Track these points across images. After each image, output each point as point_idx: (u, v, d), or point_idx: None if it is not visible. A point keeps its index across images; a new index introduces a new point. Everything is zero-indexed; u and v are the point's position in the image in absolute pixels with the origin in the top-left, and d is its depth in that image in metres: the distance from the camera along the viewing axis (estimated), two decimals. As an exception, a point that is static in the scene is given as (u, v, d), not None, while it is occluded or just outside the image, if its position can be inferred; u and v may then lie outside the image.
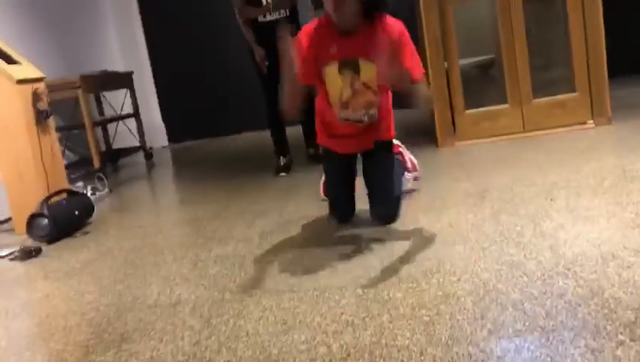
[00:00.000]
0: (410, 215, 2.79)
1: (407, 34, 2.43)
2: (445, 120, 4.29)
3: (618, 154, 3.30)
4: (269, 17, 4.22)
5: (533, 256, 2.05)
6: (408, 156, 3.24)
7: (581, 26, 4.06)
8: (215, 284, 2.30)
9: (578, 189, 2.74)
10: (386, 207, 2.70)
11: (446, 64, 4.28)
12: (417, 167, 3.24)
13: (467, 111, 4.30)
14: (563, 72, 4.43)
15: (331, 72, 2.46)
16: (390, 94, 2.66)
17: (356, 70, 2.42)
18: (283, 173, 4.28)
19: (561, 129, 4.15)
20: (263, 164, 4.88)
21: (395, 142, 2.96)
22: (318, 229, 2.83)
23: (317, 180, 3.33)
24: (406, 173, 3.15)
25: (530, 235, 2.25)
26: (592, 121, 4.15)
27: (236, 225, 3.12)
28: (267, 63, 4.20)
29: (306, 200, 3.41)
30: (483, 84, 5.01)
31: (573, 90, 4.17)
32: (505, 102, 4.26)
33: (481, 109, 4.31)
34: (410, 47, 2.42)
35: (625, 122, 4.07)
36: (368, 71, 2.40)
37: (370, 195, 2.76)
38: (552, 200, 2.66)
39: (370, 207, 2.75)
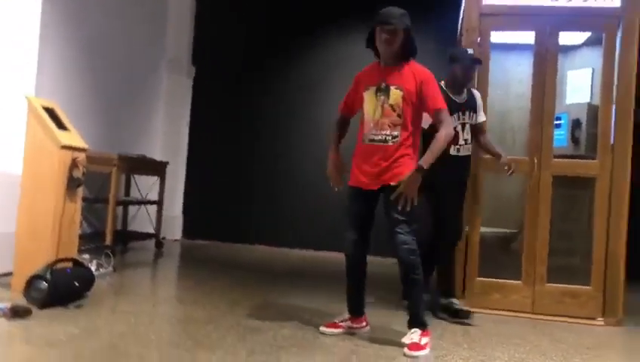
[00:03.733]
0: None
1: (433, 78, 3.14)
2: (457, 283, 4.27)
3: (627, 359, 3.21)
4: (462, 152, 4.02)
5: None
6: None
7: (605, 223, 4.14)
8: (193, 392, 2.23)
9: (578, 386, 2.67)
10: (397, 253, 3.05)
11: (467, 228, 4.35)
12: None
13: (479, 279, 4.30)
14: (580, 263, 4.47)
15: (369, 95, 3.15)
16: (417, 154, 3.16)
17: (387, 94, 3.09)
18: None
19: (569, 319, 4.10)
20: (272, 280, 4.89)
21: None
22: None
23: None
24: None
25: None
26: (601, 319, 4.10)
27: (228, 336, 3.07)
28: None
29: (306, 327, 3.36)
30: (500, 255, 5.04)
31: (587, 283, 4.18)
32: (518, 278, 4.26)
33: (493, 280, 4.30)
34: (434, 86, 3.13)
35: (636, 326, 4.01)
36: (396, 95, 3.08)
37: None
38: (549, 390, 2.58)
39: None
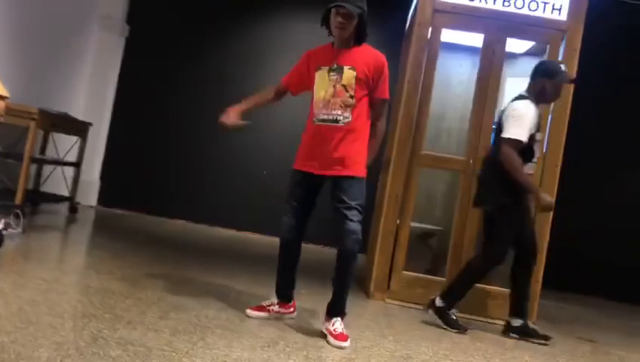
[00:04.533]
0: None
1: (387, 65, 3.09)
2: (383, 274, 4.28)
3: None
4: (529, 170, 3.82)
5: None
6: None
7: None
8: (112, 369, 2.06)
9: (500, 385, 2.71)
10: (344, 241, 2.93)
11: (397, 222, 4.35)
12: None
13: (405, 273, 4.32)
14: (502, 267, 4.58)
15: (321, 75, 3.06)
16: (367, 138, 3.07)
17: (340, 74, 3.01)
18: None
19: (486, 319, 4.19)
20: (194, 258, 4.72)
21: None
22: (235, 347, 2.64)
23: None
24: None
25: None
26: (516, 321, 4.22)
27: (149, 311, 2.90)
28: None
29: (230, 309, 3.23)
30: (420, 250, 5.09)
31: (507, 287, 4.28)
32: (443, 275, 4.31)
33: (418, 275, 4.34)
34: (386, 77, 3.09)
35: (546, 330, 4.15)
36: (349, 76, 3.00)
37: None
38: (474, 388, 2.60)
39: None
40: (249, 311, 3.18)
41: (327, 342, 2.90)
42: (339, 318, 3.01)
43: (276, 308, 3.24)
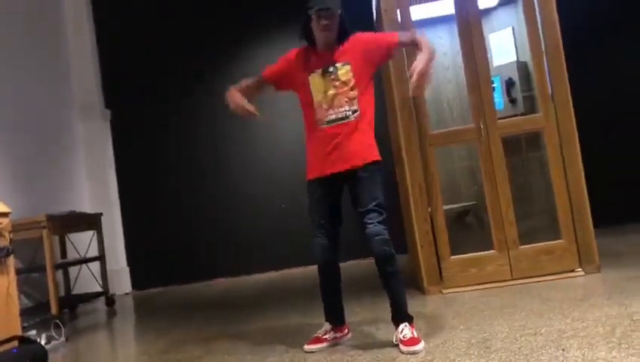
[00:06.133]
0: (410, 367, 2.52)
1: (363, 34, 3.06)
2: (431, 266, 4.12)
3: (619, 303, 3.12)
4: None
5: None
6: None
7: (562, 173, 4.08)
8: None
9: (589, 339, 2.53)
10: (372, 247, 2.86)
11: (429, 209, 4.20)
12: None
13: (452, 258, 4.16)
14: (546, 221, 4.41)
15: (316, 78, 2.99)
16: (373, 121, 3.01)
17: (335, 72, 2.96)
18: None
19: (549, 277, 4.01)
20: (239, 311, 4.60)
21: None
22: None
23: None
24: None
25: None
26: (580, 269, 4.04)
27: (212, 379, 2.77)
28: None
29: (292, 349, 3.10)
30: (461, 231, 4.93)
31: (559, 238, 4.10)
32: (490, 248, 4.14)
33: (467, 255, 4.17)
34: (373, 35, 3.13)
35: (613, 270, 3.99)
36: (344, 70, 2.96)
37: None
38: (564, 350, 2.43)
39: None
40: (307, 347, 3.04)
41: (401, 351, 2.75)
42: (405, 323, 2.87)
43: (331, 334, 3.10)
